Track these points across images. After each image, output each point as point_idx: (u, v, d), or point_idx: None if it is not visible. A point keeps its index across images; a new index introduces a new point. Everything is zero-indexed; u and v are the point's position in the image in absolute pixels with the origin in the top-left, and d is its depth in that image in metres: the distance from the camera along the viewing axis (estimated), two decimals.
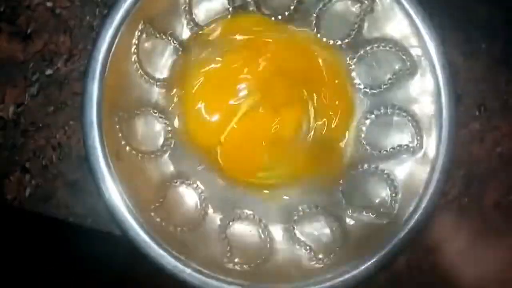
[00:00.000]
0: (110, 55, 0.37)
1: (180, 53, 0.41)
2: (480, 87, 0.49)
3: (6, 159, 0.43)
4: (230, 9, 0.42)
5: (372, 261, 0.38)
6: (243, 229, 0.41)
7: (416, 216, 0.39)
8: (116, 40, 0.37)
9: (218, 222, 0.41)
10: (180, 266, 0.36)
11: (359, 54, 0.42)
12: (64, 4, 0.45)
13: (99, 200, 0.43)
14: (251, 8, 0.42)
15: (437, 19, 0.40)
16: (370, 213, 0.41)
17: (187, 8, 0.41)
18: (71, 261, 0.45)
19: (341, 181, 0.42)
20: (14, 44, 0.44)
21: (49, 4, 0.45)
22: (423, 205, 0.39)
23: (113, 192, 0.36)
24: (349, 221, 0.42)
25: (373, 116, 0.43)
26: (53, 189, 0.44)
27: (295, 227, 0.42)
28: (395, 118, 0.42)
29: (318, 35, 0.43)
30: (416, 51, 0.40)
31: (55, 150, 0.44)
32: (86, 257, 0.44)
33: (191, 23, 0.41)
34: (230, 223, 0.41)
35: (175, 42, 0.41)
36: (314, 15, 0.42)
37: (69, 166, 0.44)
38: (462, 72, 0.48)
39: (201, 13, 0.41)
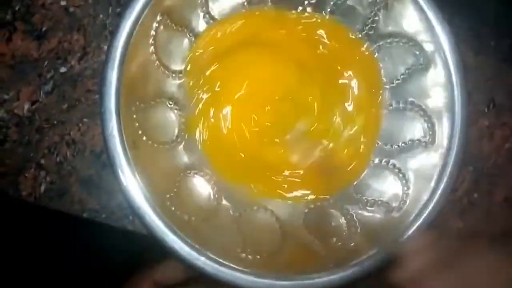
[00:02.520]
0: (129, 45, 0.37)
1: (194, 45, 0.42)
2: (489, 84, 0.49)
3: (21, 156, 0.44)
4: (246, 3, 0.42)
5: (383, 254, 0.38)
6: (255, 220, 0.42)
7: (427, 210, 0.39)
8: (135, 31, 0.37)
9: (231, 213, 0.42)
10: (194, 253, 0.36)
11: (372, 49, 0.43)
12: (78, 3, 0.45)
13: (113, 195, 0.44)
14: (267, 2, 0.43)
15: (447, 17, 0.41)
16: (382, 207, 0.41)
17: (203, 1, 0.41)
18: (84, 255, 0.45)
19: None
20: (28, 42, 0.45)
21: (63, 2, 0.45)
22: (435, 199, 0.39)
23: (130, 180, 0.36)
24: (361, 214, 0.42)
25: (385, 110, 0.43)
26: (67, 185, 0.44)
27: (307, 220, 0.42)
28: (408, 112, 0.42)
29: None
30: (429, 46, 0.40)
31: (69, 146, 0.44)
32: (100, 251, 0.44)
33: (207, 16, 0.42)
34: (243, 214, 0.42)
35: (191, 34, 0.42)
36: (329, 9, 0.43)
37: (83, 163, 0.44)
38: (471, 70, 0.48)
39: (217, 6, 0.42)
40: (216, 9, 0.42)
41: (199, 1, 0.41)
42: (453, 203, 0.48)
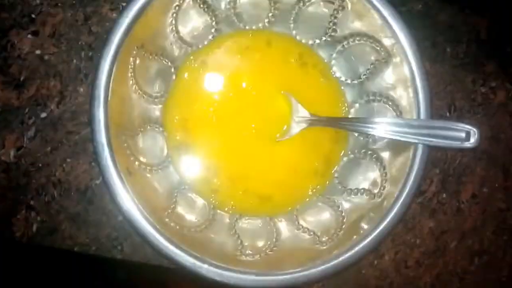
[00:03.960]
0: (111, 82, 0.40)
1: (172, 70, 0.45)
2: (448, 88, 0.52)
3: (12, 200, 0.47)
4: (214, 23, 0.45)
5: (369, 239, 0.41)
6: (250, 223, 0.45)
7: (404, 193, 0.42)
8: (114, 68, 0.40)
9: (227, 220, 0.44)
10: (197, 263, 0.39)
11: (337, 49, 0.46)
12: (52, 50, 0.48)
13: (100, 228, 0.47)
14: (233, 20, 0.45)
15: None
16: (364, 194, 0.44)
17: (173, 28, 0.44)
18: (79, 286, 0.48)
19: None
20: (8, 92, 0.47)
21: (37, 52, 0.48)
22: (410, 182, 0.42)
23: (129, 204, 0.39)
24: (346, 204, 0.45)
25: (357, 105, 0.46)
26: (57, 223, 0.47)
27: (298, 215, 0.45)
28: (376, 104, 0.45)
29: (298, 36, 0.46)
30: (388, 41, 0.43)
31: (56, 187, 0.47)
32: (92, 281, 0.47)
33: (179, 41, 0.44)
34: (238, 219, 0.44)
35: (166, 60, 0.44)
36: (292, 18, 0.45)
37: (70, 200, 0.47)
38: (430, 76, 0.50)
39: (187, 31, 0.45)
40: (187, 34, 0.45)
41: (170, 28, 0.43)
42: (423, 205, 0.51)
